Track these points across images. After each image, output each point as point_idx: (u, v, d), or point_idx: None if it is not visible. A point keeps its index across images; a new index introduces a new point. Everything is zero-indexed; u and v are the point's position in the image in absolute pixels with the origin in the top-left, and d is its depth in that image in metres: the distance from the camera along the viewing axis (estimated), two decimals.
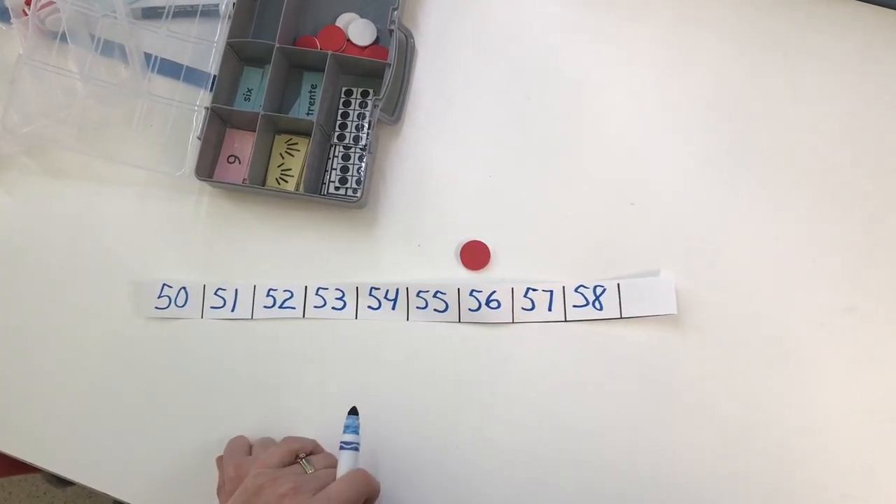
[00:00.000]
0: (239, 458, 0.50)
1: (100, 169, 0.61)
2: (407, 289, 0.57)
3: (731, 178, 0.58)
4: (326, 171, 0.58)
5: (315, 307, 0.57)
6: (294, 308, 0.57)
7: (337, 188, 0.58)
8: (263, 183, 0.58)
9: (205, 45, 0.61)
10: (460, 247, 0.57)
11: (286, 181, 0.58)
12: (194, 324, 0.58)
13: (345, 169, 0.58)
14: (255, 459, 0.49)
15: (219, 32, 0.62)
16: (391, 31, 0.57)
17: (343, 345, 0.57)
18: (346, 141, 0.59)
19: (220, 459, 0.53)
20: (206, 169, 0.58)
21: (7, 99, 0.57)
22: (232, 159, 0.60)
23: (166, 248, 0.59)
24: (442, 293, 0.56)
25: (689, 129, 0.59)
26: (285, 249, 0.59)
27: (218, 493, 0.51)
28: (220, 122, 0.59)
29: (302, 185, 0.56)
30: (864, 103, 0.59)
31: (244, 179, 0.57)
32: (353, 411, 0.49)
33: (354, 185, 0.58)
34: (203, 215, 0.60)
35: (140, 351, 0.58)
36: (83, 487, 0.57)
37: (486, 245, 0.57)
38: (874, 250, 0.56)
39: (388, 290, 0.57)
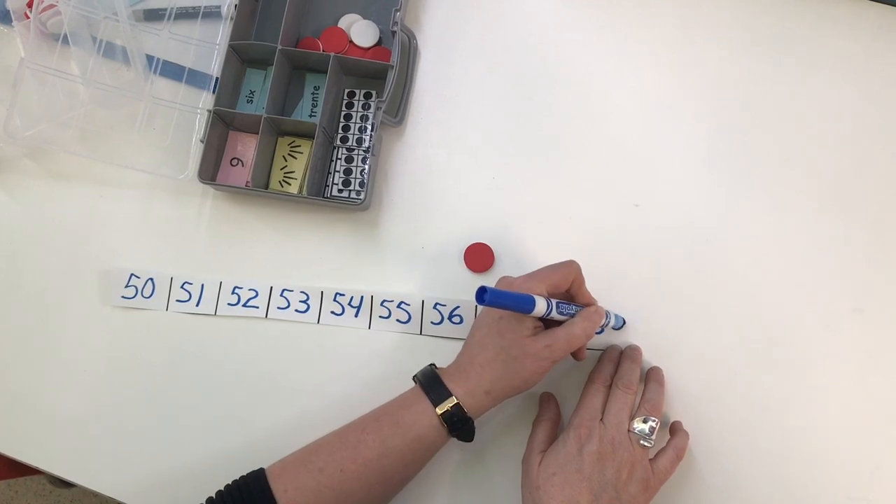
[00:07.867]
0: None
1: (102, 172, 0.60)
2: (372, 297, 0.57)
3: (737, 179, 0.58)
4: (330, 173, 0.58)
5: (279, 308, 0.57)
6: (258, 307, 0.57)
7: (340, 190, 0.58)
8: (266, 186, 0.58)
9: (207, 48, 0.61)
10: (464, 249, 0.57)
11: (289, 184, 0.58)
12: (203, 325, 0.58)
13: (348, 171, 0.58)
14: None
15: (221, 34, 0.61)
16: (394, 33, 0.57)
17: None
18: (350, 143, 0.58)
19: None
20: (209, 172, 0.58)
21: (9, 102, 0.57)
22: (235, 162, 0.59)
23: (170, 251, 0.59)
24: (406, 304, 0.56)
25: (694, 130, 0.59)
26: (289, 252, 0.58)
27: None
28: (223, 124, 0.59)
29: (305, 188, 0.56)
30: (871, 103, 0.58)
31: (247, 182, 0.56)
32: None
33: (358, 188, 0.57)
34: (206, 218, 0.59)
35: (142, 354, 0.58)
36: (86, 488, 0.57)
37: (489, 247, 0.57)
38: (881, 251, 0.56)
39: (352, 297, 0.57)
